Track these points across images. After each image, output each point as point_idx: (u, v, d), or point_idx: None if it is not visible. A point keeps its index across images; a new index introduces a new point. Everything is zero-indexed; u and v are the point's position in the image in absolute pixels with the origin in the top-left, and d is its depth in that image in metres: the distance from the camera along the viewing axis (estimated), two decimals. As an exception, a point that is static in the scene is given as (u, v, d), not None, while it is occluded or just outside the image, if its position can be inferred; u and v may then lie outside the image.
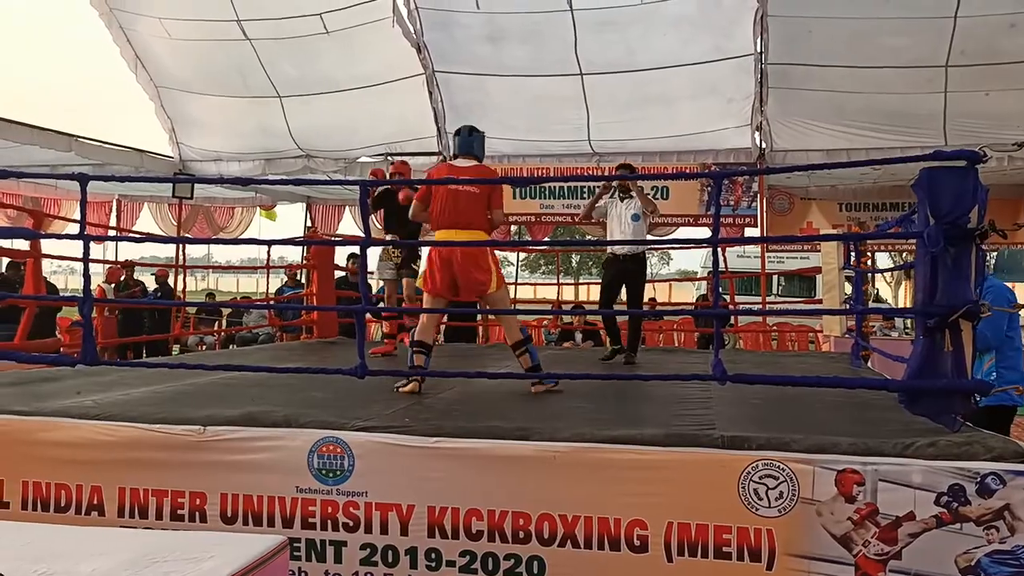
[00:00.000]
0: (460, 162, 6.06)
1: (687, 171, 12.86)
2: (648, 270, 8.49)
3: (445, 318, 9.94)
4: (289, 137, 14.98)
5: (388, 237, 8.06)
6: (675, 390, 5.71)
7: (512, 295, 9.84)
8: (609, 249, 8.02)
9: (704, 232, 14.48)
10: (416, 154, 14.08)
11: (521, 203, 14.78)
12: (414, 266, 8.12)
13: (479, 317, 11.59)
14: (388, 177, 8.28)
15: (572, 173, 14.16)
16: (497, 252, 6.51)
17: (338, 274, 10.94)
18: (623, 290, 8.00)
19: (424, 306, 5.93)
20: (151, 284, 15.40)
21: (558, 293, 14.84)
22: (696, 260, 30.80)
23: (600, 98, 13.70)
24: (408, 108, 13.96)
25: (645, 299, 9.63)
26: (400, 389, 5.65)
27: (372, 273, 9.45)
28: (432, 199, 5.96)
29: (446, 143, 14.11)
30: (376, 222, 9.62)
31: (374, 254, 8.95)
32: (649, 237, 9.27)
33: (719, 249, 4.69)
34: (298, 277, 14.73)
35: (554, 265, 41.03)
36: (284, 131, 14.84)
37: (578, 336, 13.25)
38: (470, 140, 6.10)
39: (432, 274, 5.81)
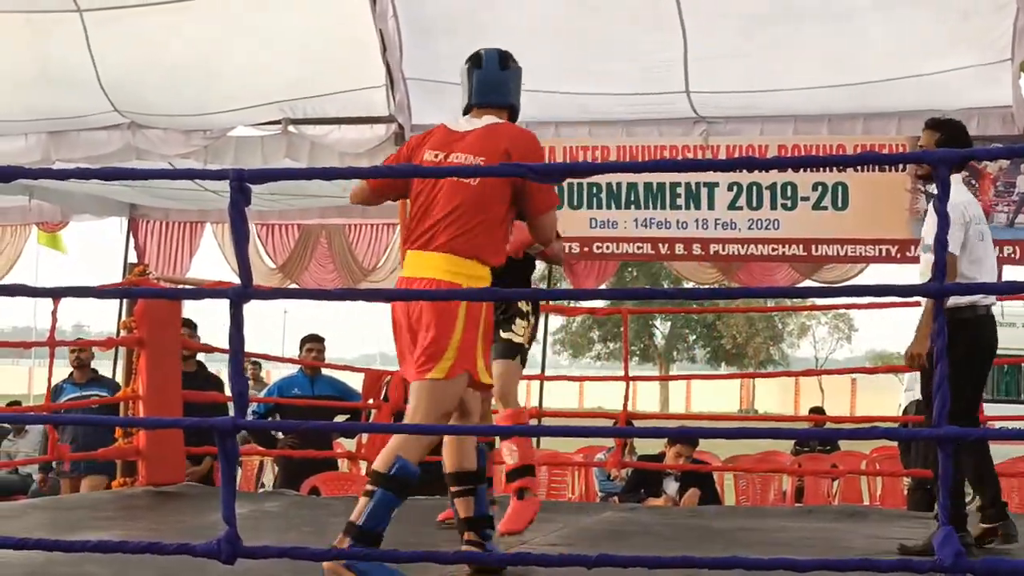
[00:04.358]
0: (465, 122, 3.81)
1: (881, 150, 8.27)
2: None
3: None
4: (97, 88, 9.62)
5: None
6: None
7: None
8: (984, 299, 4.78)
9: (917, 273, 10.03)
10: (341, 120, 9.09)
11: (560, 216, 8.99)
12: (515, 328, 5.20)
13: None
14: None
15: (654, 155, 8.43)
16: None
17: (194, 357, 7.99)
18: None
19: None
20: None
21: (627, 395, 8.14)
22: (903, 332, 16.20)
23: (708, 8, 8.08)
24: (327, 30, 9.09)
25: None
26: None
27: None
28: (412, 192, 3.83)
29: (402, 100, 8.79)
30: None
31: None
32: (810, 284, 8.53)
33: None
34: (91, 364, 9.06)
35: (617, 343, 28.57)
36: (88, 76, 9.54)
37: (670, 484, 7.53)
38: (497, 79, 3.84)
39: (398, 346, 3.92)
